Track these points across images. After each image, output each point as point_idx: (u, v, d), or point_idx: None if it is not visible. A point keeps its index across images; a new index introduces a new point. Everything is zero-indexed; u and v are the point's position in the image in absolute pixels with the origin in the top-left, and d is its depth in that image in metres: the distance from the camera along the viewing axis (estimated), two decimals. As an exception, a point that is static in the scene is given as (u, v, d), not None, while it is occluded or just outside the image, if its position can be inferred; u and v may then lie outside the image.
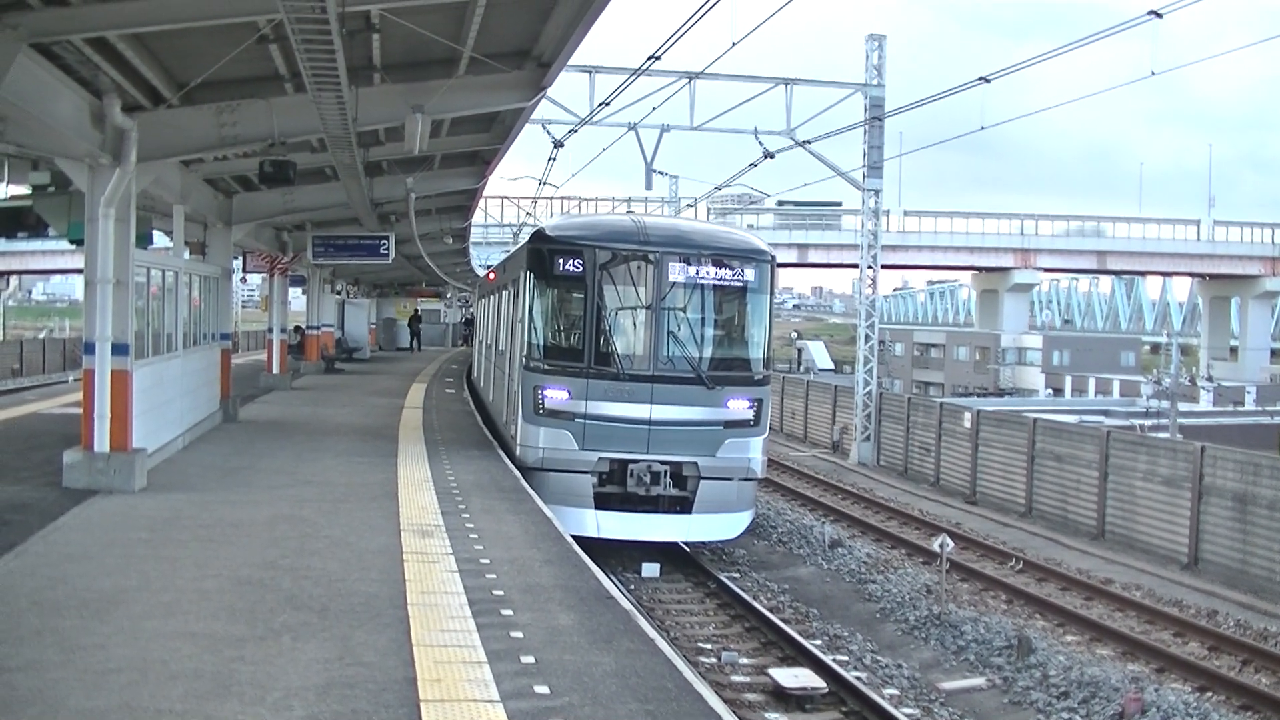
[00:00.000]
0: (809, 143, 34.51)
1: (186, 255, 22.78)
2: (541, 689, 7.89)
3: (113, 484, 14.55)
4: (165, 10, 12.08)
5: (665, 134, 36.05)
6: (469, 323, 76.70)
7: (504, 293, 24.12)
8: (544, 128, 33.32)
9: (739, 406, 18.60)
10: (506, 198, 72.51)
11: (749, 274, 18.75)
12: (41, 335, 77.07)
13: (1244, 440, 37.60)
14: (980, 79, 23.01)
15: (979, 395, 70.73)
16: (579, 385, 18.23)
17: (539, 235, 19.33)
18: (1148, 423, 44.88)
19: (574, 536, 13.85)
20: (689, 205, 60.26)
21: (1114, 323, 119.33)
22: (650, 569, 19.23)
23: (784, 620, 17.05)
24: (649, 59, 20.90)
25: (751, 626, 16.85)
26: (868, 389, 38.16)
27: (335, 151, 18.53)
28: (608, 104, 28.26)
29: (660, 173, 42.35)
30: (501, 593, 10.44)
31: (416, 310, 72.24)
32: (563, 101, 33.42)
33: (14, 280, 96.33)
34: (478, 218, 49.95)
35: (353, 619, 9.35)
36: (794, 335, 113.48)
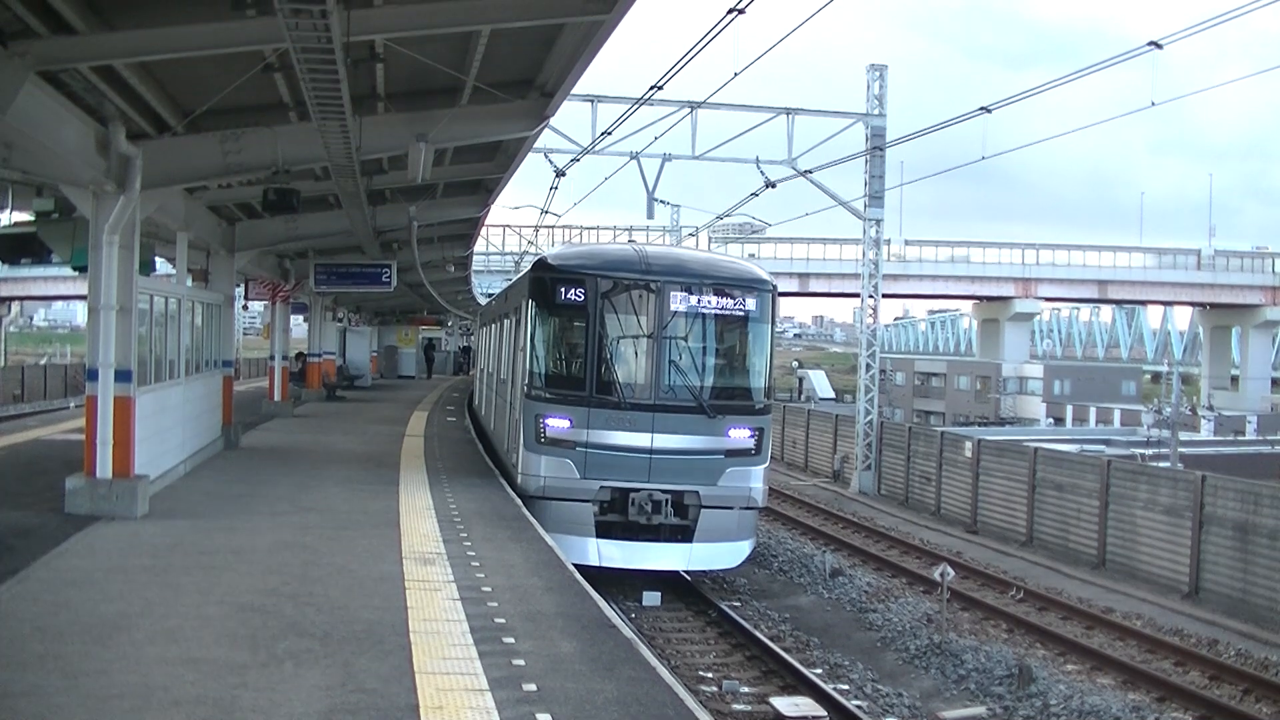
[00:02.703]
0: (810, 172, 34.64)
1: (189, 282, 22.83)
2: (543, 716, 7.90)
3: (115, 510, 14.57)
4: (171, 39, 12.18)
5: (667, 163, 36.19)
6: (465, 350, 77.05)
7: (506, 321, 24.16)
8: (546, 157, 33.45)
9: (740, 435, 18.60)
10: (508, 226, 72.64)
11: (750, 303, 18.78)
12: (43, 361, 77.11)
13: (1245, 470, 37.55)
14: (982, 109, 23.15)
15: (980, 424, 70.66)
16: (580, 414, 18.24)
17: (541, 264, 19.39)
18: (1148, 452, 44.81)
19: (575, 565, 13.86)
20: (690, 234, 60.39)
21: (1109, 351, 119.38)
22: (651, 597, 19.21)
23: (785, 649, 17.02)
24: (651, 88, 21.03)
25: (752, 655, 16.82)
26: (869, 418, 38.14)
27: (339, 180, 18.63)
28: (610, 133, 28.43)
29: (662, 202, 42.45)
30: (503, 620, 10.45)
31: (431, 340, 73.02)
32: (565, 130, 33.68)
33: (16, 306, 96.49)
34: (479, 246, 50.03)
35: (355, 646, 9.36)
36: (795, 364, 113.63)
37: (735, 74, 22.29)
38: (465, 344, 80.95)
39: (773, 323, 19.46)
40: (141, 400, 15.64)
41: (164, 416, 17.98)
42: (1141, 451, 44.39)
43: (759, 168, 35.04)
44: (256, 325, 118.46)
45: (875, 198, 37.63)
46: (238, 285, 30.66)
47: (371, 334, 61.05)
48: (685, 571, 19.98)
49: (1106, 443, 50.47)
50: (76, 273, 18.36)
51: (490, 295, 47.66)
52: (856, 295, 44.93)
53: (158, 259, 24.80)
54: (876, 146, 36.40)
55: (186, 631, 9.61)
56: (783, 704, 14.12)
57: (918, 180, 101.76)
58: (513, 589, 11.83)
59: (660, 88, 20.60)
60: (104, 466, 14.67)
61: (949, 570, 19.50)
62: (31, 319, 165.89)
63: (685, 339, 18.54)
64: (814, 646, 18.10)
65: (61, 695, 7.89)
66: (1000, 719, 15.30)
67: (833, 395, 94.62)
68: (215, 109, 15.15)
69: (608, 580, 17.89)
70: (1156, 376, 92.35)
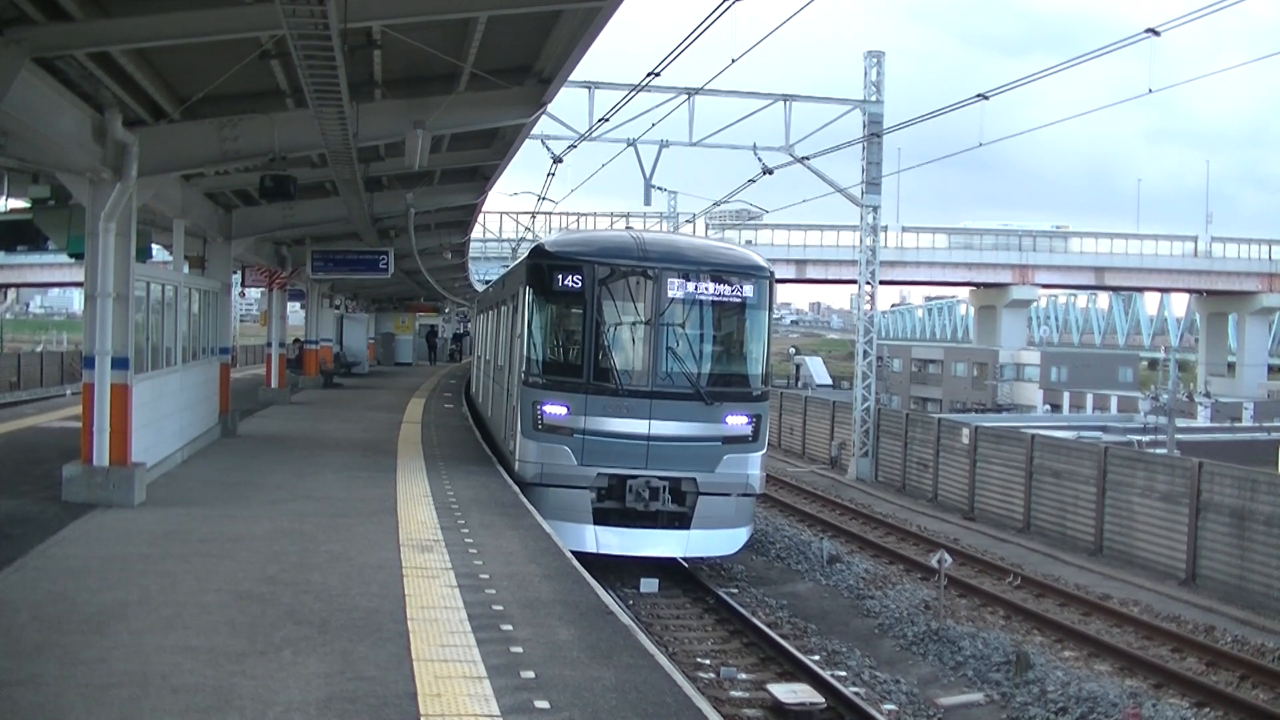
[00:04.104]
0: (808, 159, 34.59)
1: (186, 269, 22.78)
2: (542, 704, 7.90)
3: (112, 498, 14.55)
4: (168, 26, 12.13)
5: (664, 150, 36.19)
6: (457, 338, 77.25)
7: (503, 308, 24.13)
8: (543, 143, 33.38)
9: (738, 422, 18.59)
10: (506, 213, 72.74)
11: (747, 290, 18.77)
12: (39, 348, 77.08)
13: (1241, 456, 37.60)
14: (979, 96, 23.06)
15: (977, 411, 70.73)
16: (578, 401, 18.23)
17: (538, 251, 19.36)
18: (1145, 439, 44.90)
19: (573, 552, 13.86)
20: (687, 221, 60.35)
21: (1106, 338, 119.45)
22: (649, 584, 19.22)
23: (782, 636, 17.05)
24: (649, 75, 20.97)
25: (750, 642, 16.85)
26: (866, 405, 38.18)
27: (336, 167, 18.59)
28: (607, 120, 28.34)
29: (659, 188, 42.50)
30: (501, 608, 10.45)
31: (433, 327, 73.55)
32: (562, 117, 33.52)
33: (12, 293, 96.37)
34: (476, 233, 49.98)
35: (353, 633, 9.35)
36: (792, 351, 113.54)
37: (733, 60, 22.25)
38: (458, 331, 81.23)
39: (770, 309, 19.44)
40: (138, 388, 15.61)
41: (161, 404, 17.95)
42: (1138, 438, 44.50)
43: (756, 154, 34.98)
44: (253, 312, 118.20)
45: (872, 184, 37.62)
46: (234, 272, 30.62)
47: (369, 321, 61.02)
48: (683, 558, 20.01)
49: (1103, 429, 50.60)
50: (73, 260, 18.34)
51: (487, 282, 47.62)
52: (854, 282, 44.93)
53: (154, 246, 24.77)
54: (874, 133, 36.38)
55: (184, 619, 9.60)
56: (780, 691, 14.13)
57: (915, 167, 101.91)
58: (510, 576, 11.83)
59: (657, 74, 20.55)
60: (101, 454, 14.65)
61: (946, 557, 19.55)
62: (28, 306, 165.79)
63: (682, 326, 18.52)
64: (811, 633, 18.14)
65: (60, 684, 7.88)
66: (998, 705, 15.33)
67: (830, 382, 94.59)
68: (212, 96, 15.10)
69: (605, 567, 17.91)
70: (1153, 363, 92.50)
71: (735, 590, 20.14)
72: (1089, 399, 75.19)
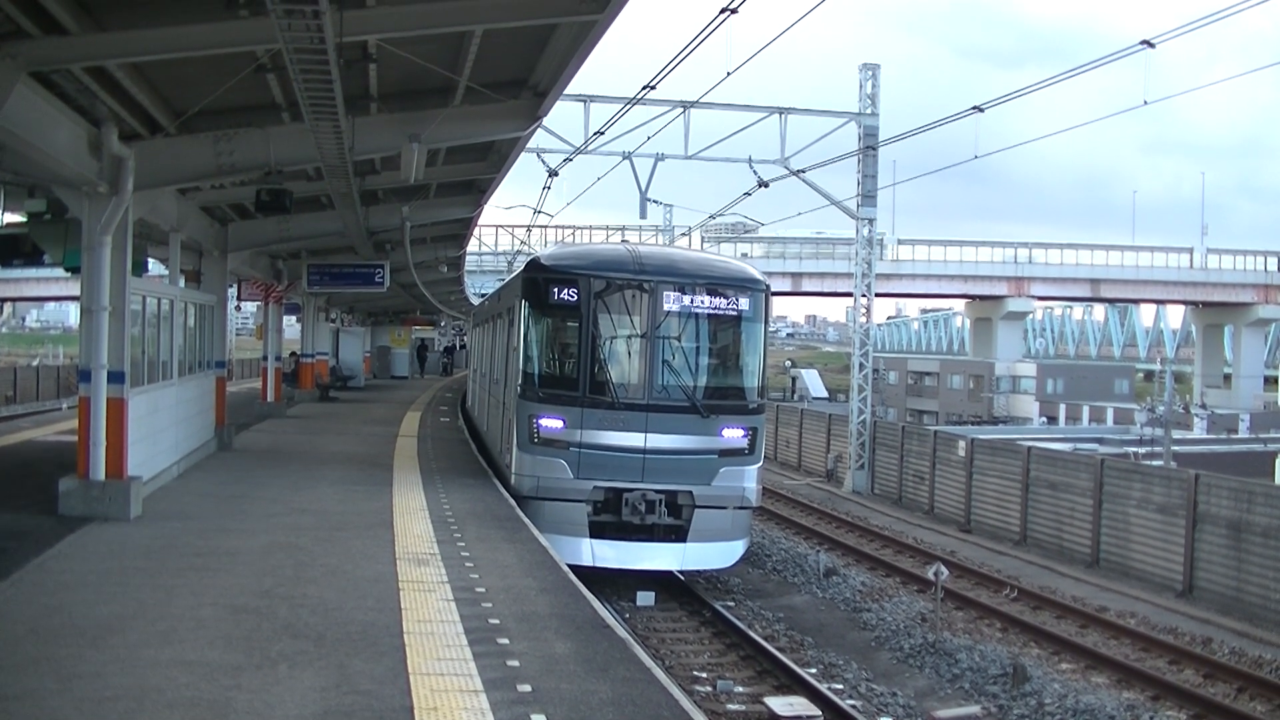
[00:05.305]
0: (803, 172, 34.63)
1: (182, 283, 22.77)
2: (538, 717, 7.90)
3: (108, 512, 14.55)
4: (164, 40, 12.15)
5: (660, 163, 36.16)
6: (449, 351, 77.32)
7: (499, 321, 24.14)
8: (539, 157, 33.40)
9: (734, 435, 18.60)
10: (501, 226, 72.66)
11: (743, 303, 18.78)
12: (35, 363, 76.99)
13: (1238, 468, 37.62)
14: (974, 108, 23.11)
15: (973, 423, 70.72)
16: (574, 414, 18.23)
17: (534, 264, 19.37)
18: (1142, 450, 44.88)
19: (569, 565, 13.85)
20: (683, 234, 60.39)
21: (1102, 350, 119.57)
22: (645, 597, 19.19)
23: (779, 649, 17.02)
24: (644, 88, 21.03)
25: (747, 655, 16.81)
26: (862, 417, 38.16)
27: (331, 180, 18.60)
28: (602, 133, 28.38)
29: (655, 201, 42.39)
30: (498, 621, 10.45)
31: (422, 340, 73.64)
32: (558, 130, 33.53)
33: (8, 307, 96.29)
34: (472, 246, 50.01)
35: (349, 647, 9.35)
36: (788, 363, 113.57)
37: (728, 74, 22.27)
38: (449, 344, 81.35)
39: (766, 322, 19.45)
40: (134, 401, 15.62)
41: (157, 418, 17.94)
42: (1135, 450, 44.47)
43: (752, 167, 35.01)
44: (249, 326, 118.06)
45: (868, 197, 37.64)
46: (230, 286, 30.62)
47: (365, 334, 61.02)
48: (679, 571, 19.96)
49: (1100, 441, 50.58)
50: (69, 273, 18.31)
51: (483, 295, 47.67)
52: (849, 295, 44.93)
53: (150, 260, 24.74)
54: (869, 146, 36.42)
55: (180, 633, 9.60)
56: (777, 704, 14.12)
57: (910, 180, 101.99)
58: (507, 590, 11.82)
59: (653, 87, 20.60)
60: (97, 468, 14.64)
61: (943, 569, 19.52)
62: (24, 320, 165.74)
63: (678, 339, 18.52)
64: (808, 646, 18.10)
65: (56, 698, 7.87)
66: (995, 718, 15.31)
67: (826, 395, 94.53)
68: (208, 110, 15.13)
69: (602, 580, 17.89)
70: (1149, 375, 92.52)
71: (732, 603, 20.10)
72: (1085, 411, 75.20)
